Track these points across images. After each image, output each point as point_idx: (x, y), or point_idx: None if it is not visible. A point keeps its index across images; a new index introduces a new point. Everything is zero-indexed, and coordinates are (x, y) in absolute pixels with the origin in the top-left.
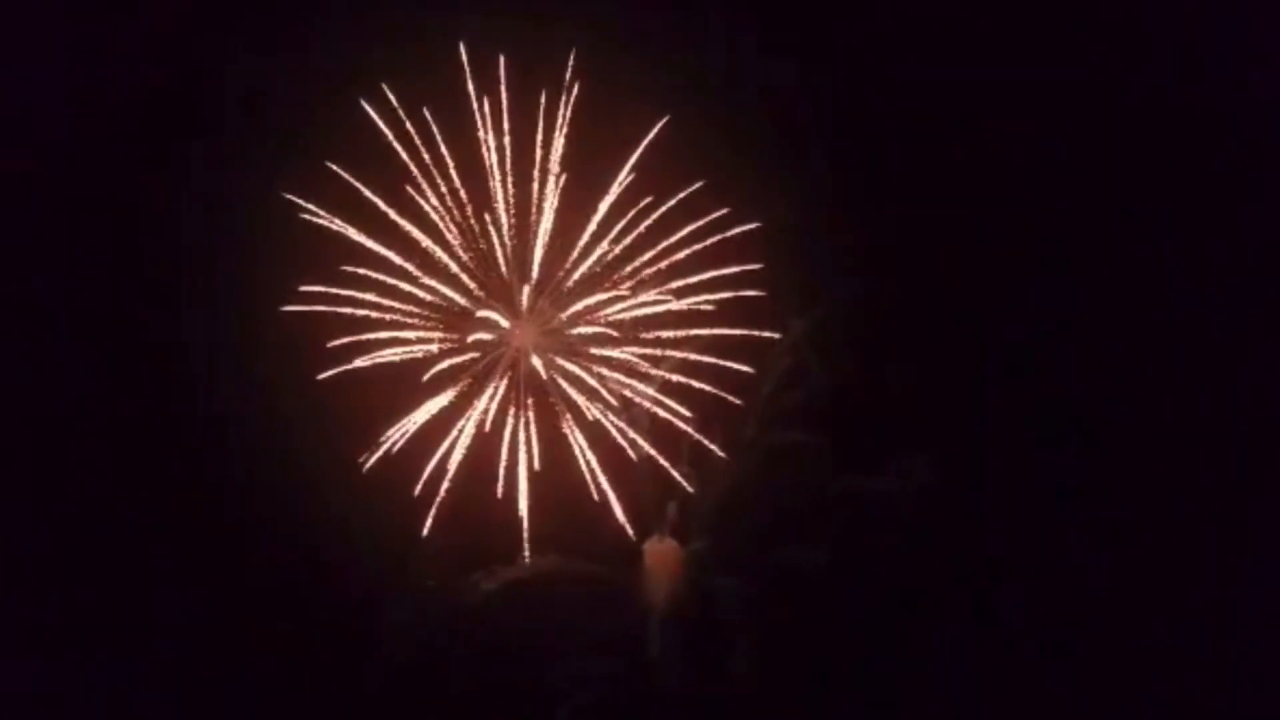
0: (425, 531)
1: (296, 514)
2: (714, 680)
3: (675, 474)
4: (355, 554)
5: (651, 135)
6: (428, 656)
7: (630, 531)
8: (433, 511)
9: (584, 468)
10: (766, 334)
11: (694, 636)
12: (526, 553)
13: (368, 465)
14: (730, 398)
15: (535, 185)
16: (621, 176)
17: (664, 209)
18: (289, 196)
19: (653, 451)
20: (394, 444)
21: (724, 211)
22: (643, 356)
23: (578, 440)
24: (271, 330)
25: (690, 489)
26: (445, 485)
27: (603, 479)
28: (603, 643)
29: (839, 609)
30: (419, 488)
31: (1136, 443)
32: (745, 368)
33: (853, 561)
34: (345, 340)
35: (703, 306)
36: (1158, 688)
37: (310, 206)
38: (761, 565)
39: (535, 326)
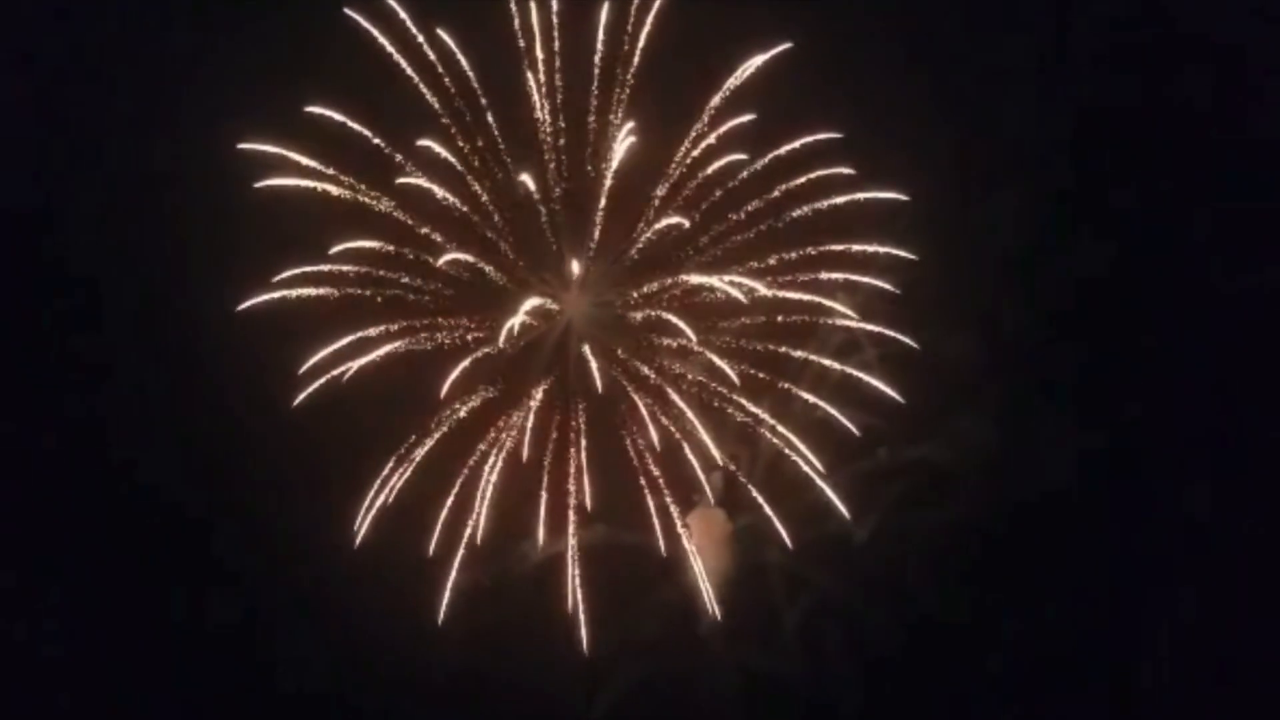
0: (441, 618)
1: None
2: (762, 652)
3: (718, 453)
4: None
5: (748, 68)
6: (478, 630)
7: (675, 505)
8: (450, 582)
9: (630, 448)
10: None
11: (742, 608)
12: (573, 526)
13: (360, 535)
14: (792, 385)
15: (594, 125)
16: (699, 125)
17: (759, 163)
18: (249, 147)
19: (700, 427)
20: (391, 491)
21: (848, 171)
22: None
23: (631, 431)
24: (228, 341)
25: (734, 466)
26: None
27: (649, 458)
28: (651, 614)
29: (889, 580)
30: (433, 544)
31: (1195, 404)
32: (797, 352)
33: (904, 531)
34: (334, 349)
35: (837, 310)
36: (1216, 660)
37: (294, 157)
38: (811, 537)
39: (586, 305)
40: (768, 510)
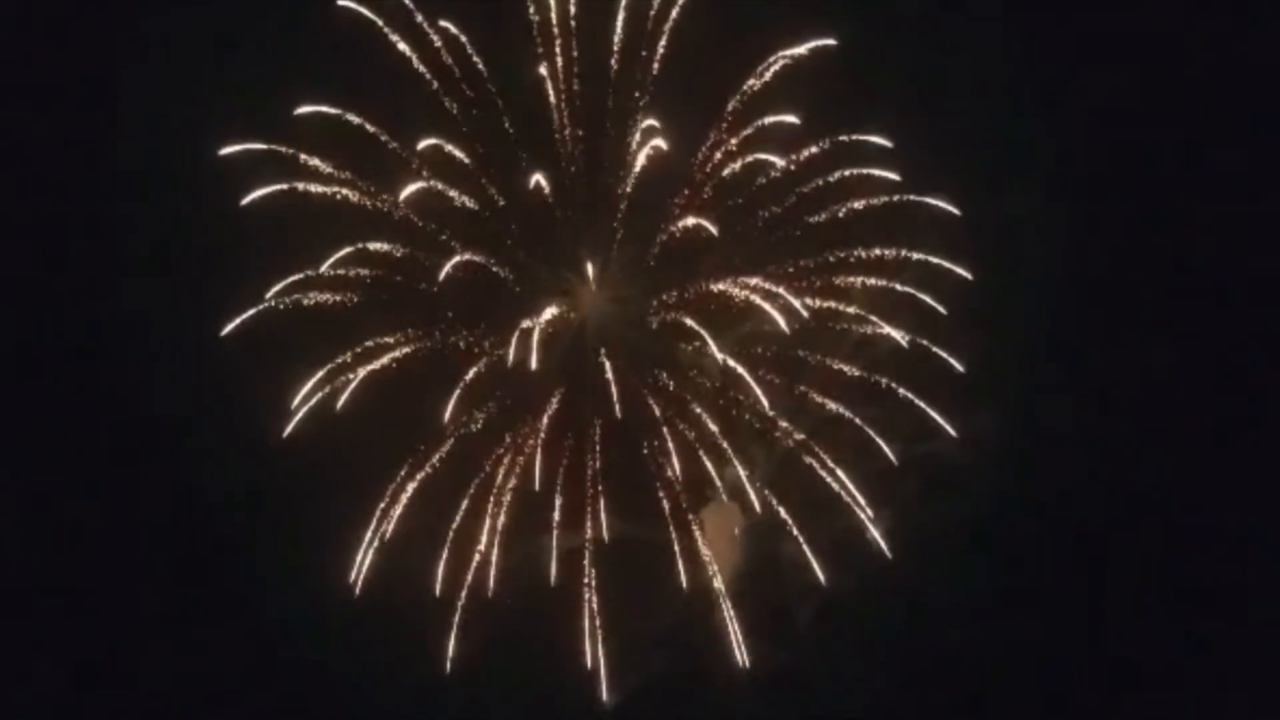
0: (449, 665)
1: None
2: (775, 648)
3: (731, 453)
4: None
5: (774, 63)
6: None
7: (687, 500)
8: (454, 630)
9: (646, 450)
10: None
11: (755, 603)
12: (589, 523)
13: (359, 582)
14: (808, 387)
15: (610, 119)
16: (718, 129)
17: (778, 168)
18: (235, 149)
19: (713, 425)
20: (387, 529)
21: (866, 173)
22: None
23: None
24: (211, 367)
25: (744, 468)
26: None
27: (665, 460)
28: (664, 609)
29: (902, 577)
30: (439, 584)
31: (1205, 404)
32: (807, 353)
33: (916, 528)
34: (327, 369)
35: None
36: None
37: (295, 155)
38: (822, 534)
39: (602, 304)
40: (784, 514)
